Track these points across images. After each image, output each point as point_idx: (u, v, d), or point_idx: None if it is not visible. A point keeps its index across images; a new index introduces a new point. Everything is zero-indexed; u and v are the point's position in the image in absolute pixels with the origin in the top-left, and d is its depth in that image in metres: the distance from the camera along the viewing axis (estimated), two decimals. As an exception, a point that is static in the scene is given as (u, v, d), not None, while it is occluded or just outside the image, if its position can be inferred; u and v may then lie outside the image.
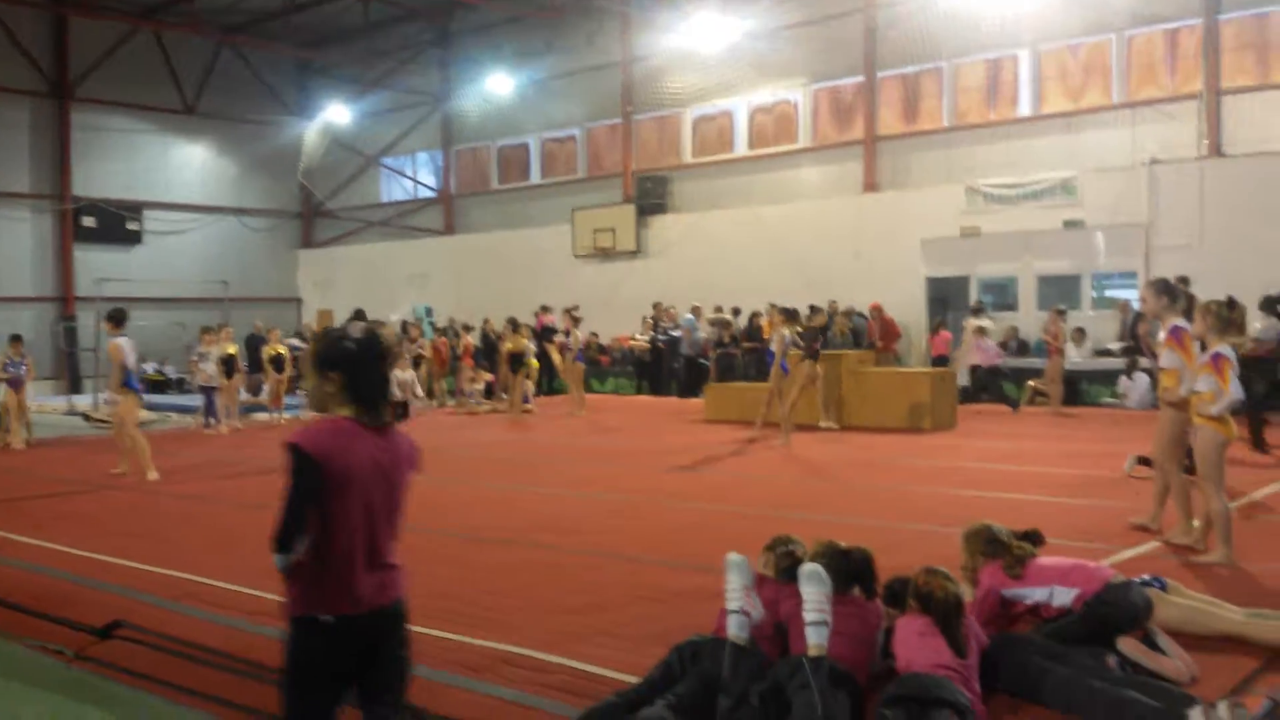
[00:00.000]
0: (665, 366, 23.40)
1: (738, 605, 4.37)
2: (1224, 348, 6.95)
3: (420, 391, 18.73)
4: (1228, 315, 7.10)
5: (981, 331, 18.54)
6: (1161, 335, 7.55)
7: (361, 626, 3.35)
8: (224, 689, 5.06)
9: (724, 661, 4.25)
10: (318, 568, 3.31)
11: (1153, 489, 7.89)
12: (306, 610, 3.32)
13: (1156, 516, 7.77)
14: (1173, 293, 7.55)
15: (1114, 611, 4.90)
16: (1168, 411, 7.49)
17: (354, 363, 3.40)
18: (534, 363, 21.10)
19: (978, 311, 19.73)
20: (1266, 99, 19.09)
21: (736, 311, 22.60)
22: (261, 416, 20.11)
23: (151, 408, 22.53)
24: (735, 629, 4.34)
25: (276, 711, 4.71)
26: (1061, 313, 17.87)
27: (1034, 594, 5.13)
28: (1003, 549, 5.23)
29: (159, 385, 27.62)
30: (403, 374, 14.61)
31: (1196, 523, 7.29)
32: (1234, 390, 6.88)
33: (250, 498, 10.65)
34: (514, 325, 19.82)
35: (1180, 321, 7.42)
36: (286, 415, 19.59)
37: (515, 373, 19.23)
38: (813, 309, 17.70)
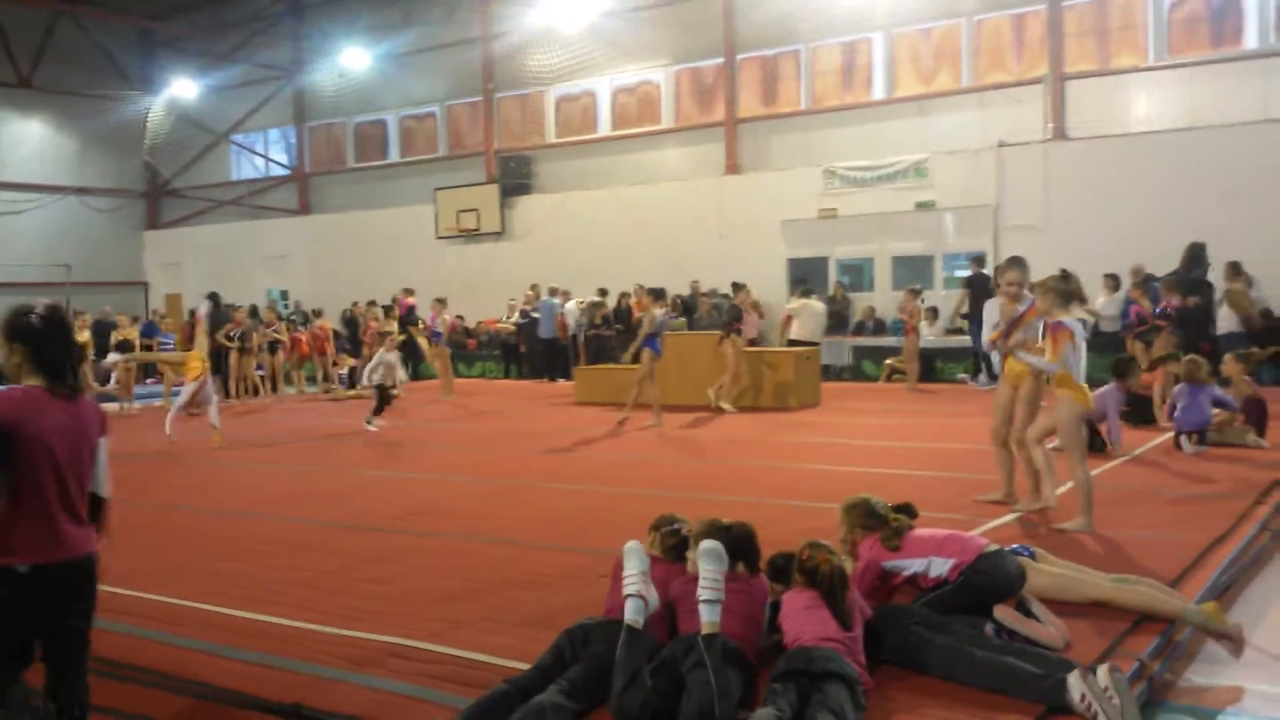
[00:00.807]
0: (530, 349, 23.28)
1: (636, 589, 4.38)
2: (1067, 319, 7.23)
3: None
4: (1065, 287, 7.34)
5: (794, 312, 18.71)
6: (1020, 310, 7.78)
7: (53, 576, 3.69)
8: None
9: (618, 645, 4.25)
10: (11, 523, 3.63)
11: (998, 463, 8.12)
12: (2, 561, 3.62)
13: (1010, 491, 8.03)
14: (1022, 267, 7.85)
15: (990, 580, 5.08)
16: (1064, 403, 7.66)
17: (38, 336, 3.75)
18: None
19: (806, 294, 20.28)
20: (1107, 83, 20.02)
21: (604, 292, 22.62)
22: (111, 407, 19.25)
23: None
24: (631, 613, 4.34)
25: (133, 709, 4.57)
26: (916, 292, 18.42)
27: (912, 565, 5.24)
28: (881, 521, 5.35)
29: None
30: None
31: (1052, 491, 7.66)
32: (1072, 360, 7.16)
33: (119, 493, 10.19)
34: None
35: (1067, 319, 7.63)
36: (138, 405, 18.81)
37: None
38: (735, 286, 18.01)
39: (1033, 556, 5.46)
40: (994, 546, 5.28)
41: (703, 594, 4.30)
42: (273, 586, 6.30)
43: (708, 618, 4.25)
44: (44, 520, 3.67)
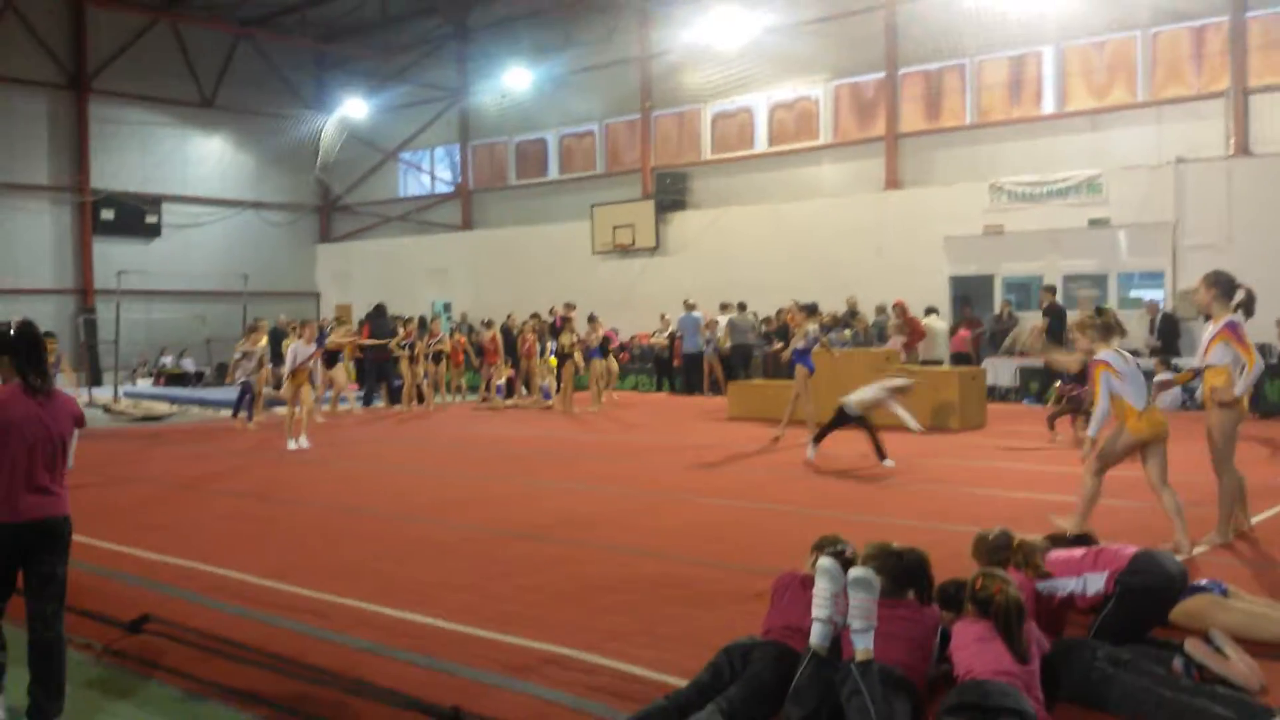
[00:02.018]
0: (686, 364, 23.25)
1: (826, 613, 4.23)
2: (1103, 354, 7.16)
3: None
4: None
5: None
6: (1211, 331, 7.35)
7: (21, 532, 4.53)
8: (251, 683, 4.96)
9: (801, 669, 4.11)
10: None
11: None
12: None
13: (1229, 525, 7.41)
14: (1226, 286, 7.34)
15: (1146, 579, 4.85)
16: (1216, 412, 7.31)
17: (14, 347, 4.62)
18: (553, 360, 21.02)
19: (929, 313, 19.81)
20: (1296, 97, 18.86)
21: (742, 306, 22.48)
22: (281, 410, 20.01)
23: (172, 400, 22.53)
24: (818, 638, 4.20)
25: (302, 707, 4.68)
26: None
27: (1067, 584, 5.06)
28: (1005, 551, 5.15)
29: (179, 378, 27.58)
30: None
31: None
32: (1121, 388, 7.05)
33: (274, 492, 10.57)
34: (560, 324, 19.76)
35: (1235, 317, 7.24)
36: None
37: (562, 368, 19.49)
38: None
39: (1224, 593, 5.10)
40: (1147, 549, 5.01)
41: (854, 624, 4.14)
42: (432, 589, 6.38)
43: (861, 646, 4.08)
44: (11, 489, 4.51)
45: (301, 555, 7.45)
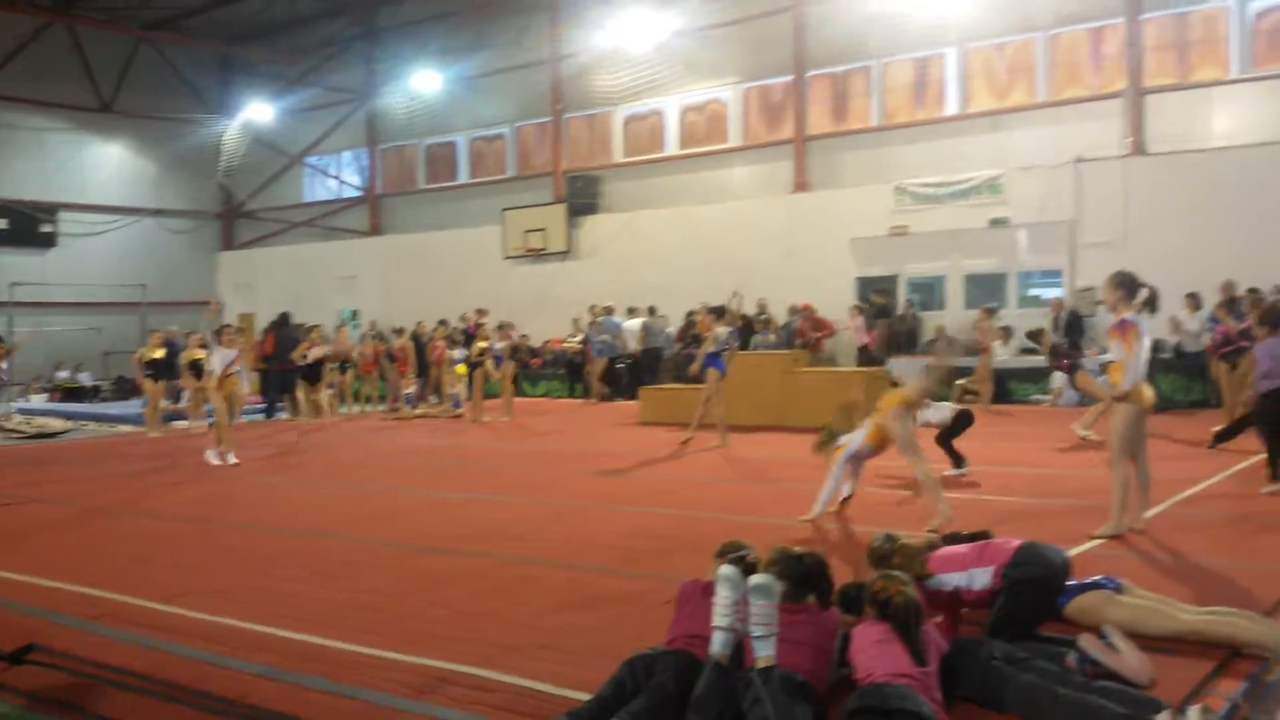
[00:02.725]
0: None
1: (727, 621, 4.21)
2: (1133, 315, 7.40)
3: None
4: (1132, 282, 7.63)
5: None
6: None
7: None
8: (142, 713, 4.78)
9: (702, 680, 4.08)
10: None
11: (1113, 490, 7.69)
12: None
13: (1137, 516, 7.68)
14: (1129, 285, 7.57)
15: (1030, 570, 4.99)
16: (1114, 406, 7.54)
17: None
18: (461, 368, 20.86)
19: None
20: (1187, 97, 19.49)
21: (652, 310, 22.55)
22: (180, 424, 19.53)
23: (68, 416, 21.84)
24: (719, 646, 4.18)
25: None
26: (991, 311, 18.03)
27: (952, 579, 5.15)
28: (889, 554, 5.25)
29: (74, 393, 26.72)
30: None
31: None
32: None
33: (175, 510, 10.28)
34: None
35: (1131, 315, 7.44)
36: (207, 423, 19.05)
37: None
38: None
39: (1118, 588, 5.20)
40: (1030, 541, 5.14)
41: (754, 630, 4.12)
42: (334, 608, 6.23)
43: (762, 653, 4.07)
44: None
45: (200, 577, 7.23)
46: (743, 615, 4.21)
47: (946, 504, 8.04)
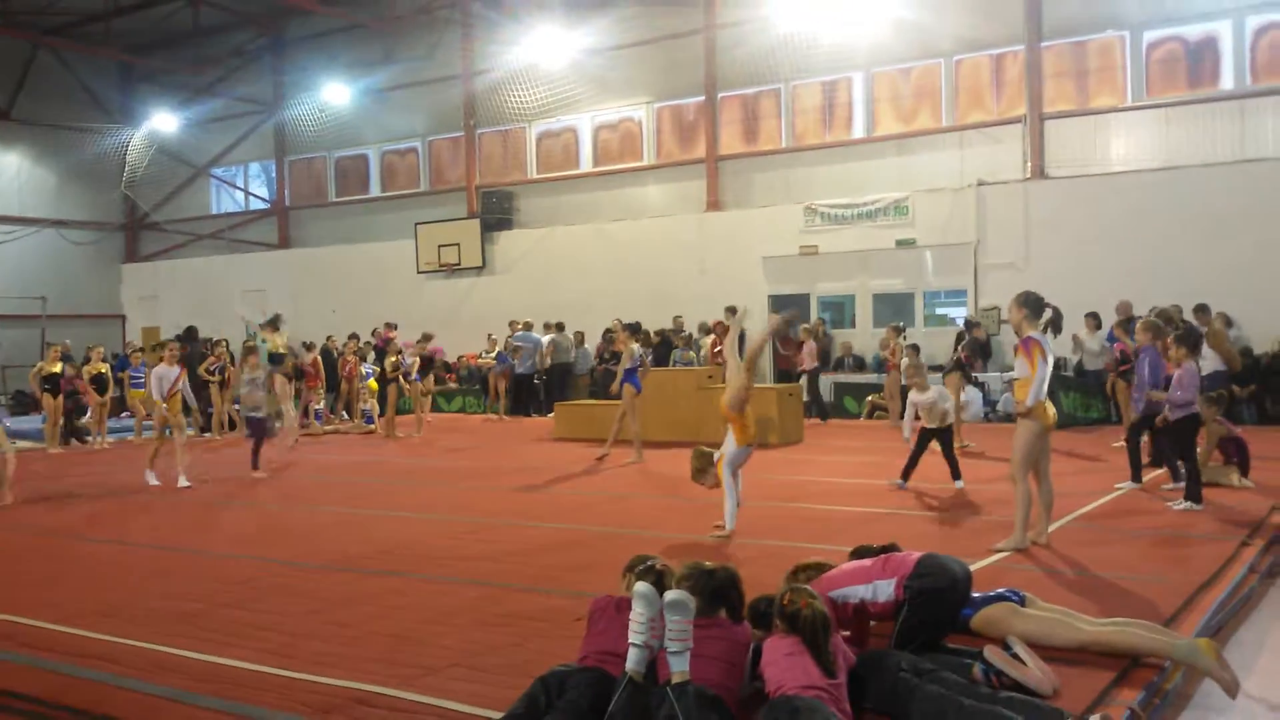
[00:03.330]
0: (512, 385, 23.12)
1: (642, 639, 4.21)
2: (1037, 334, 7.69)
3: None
4: (1036, 302, 7.92)
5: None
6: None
7: None
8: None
9: (616, 696, 4.08)
10: None
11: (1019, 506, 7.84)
12: None
13: (1041, 531, 7.88)
14: (1034, 305, 7.80)
15: (932, 580, 5.11)
16: (1018, 422, 7.75)
17: None
18: (373, 383, 20.62)
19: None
20: (1085, 123, 20.13)
21: (560, 327, 22.57)
22: (94, 440, 18.98)
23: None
24: (634, 663, 4.18)
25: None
26: (899, 329, 18.37)
27: (857, 591, 5.23)
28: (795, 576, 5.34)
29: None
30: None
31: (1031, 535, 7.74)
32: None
33: (74, 528, 9.97)
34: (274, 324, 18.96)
35: (1035, 334, 7.68)
36: (110, 440, 18.55)
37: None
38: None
39: (1021, 601, 5.34)
40: (931, 552, 5.27)
41: (670, 645, 4.15)
42: (240, 629, 6.11)
43: (677, 668, 4.10)
44: None
45: (99, 597, 7.03)
46: (658, 632, 4.23)
47: (736, 516, 8.46)
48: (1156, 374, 10.28)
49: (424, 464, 14.78)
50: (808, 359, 19.28)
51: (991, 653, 4.69)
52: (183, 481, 12.66)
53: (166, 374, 13.27)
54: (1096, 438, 15.07)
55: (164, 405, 13.11)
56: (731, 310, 14.91)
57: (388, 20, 26.74)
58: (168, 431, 13.32)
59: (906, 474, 10.90)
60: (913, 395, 11.04)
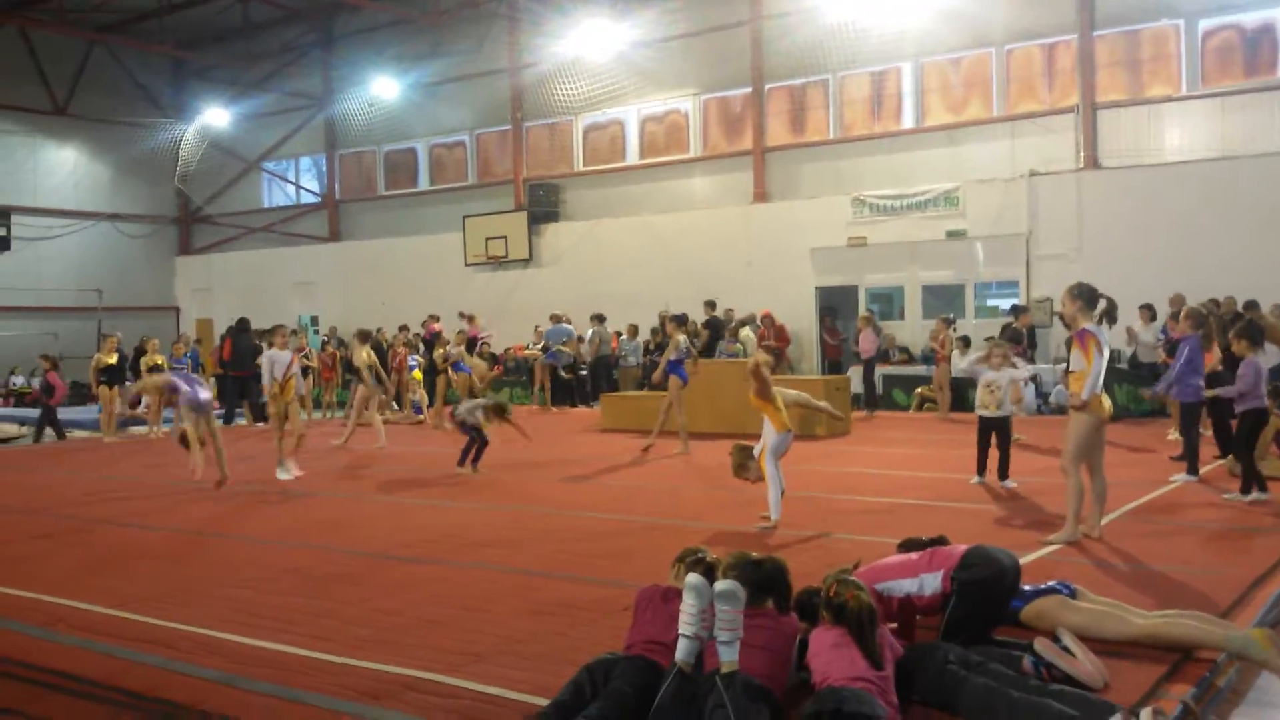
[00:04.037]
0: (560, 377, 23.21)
1: (693, 630, 4.22)
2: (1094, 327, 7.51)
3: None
4: (1091, 294, 7.77)
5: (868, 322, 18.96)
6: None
7: None
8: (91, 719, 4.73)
9: (665, 686, 4.09)
10: None
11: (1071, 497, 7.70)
12: None
13: (1094, 524, 7.76)
14: (1089, 297, 7.68)
15: (979, 572, 5.06)
16: (1072, 415, 7.65)
17: None
18: (417, 374, 20.75)
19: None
20: (1139, 113, 19.82)
21: (601, 319, 22.54)
22: (140, 430, 19.31)
23: (22, 422, 21.50)
24: (683, 654, 4.19)
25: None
26: (949, 321, 18.22)
27: (903, 585, 5.19)
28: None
29: (29, 398, 26.31)
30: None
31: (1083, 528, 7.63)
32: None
33: (128, 517, 10.15)
34: (364, 336, 19.07)
35: (1091, 325, 7.56)
36: (165, 429, 18.83)
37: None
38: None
39: (1072, 594, 5.28)
40: (979, 544, 5.23)
41: (720, 635, 4.14)
42: (290, 615, 6.19)
43: (726, 658, 4.09)
44: None
45: (153, 584, 7.16)
46: (708, 623, 4.23)
47: (780, 506, 8.46)
48: (1196, 363, 10.17)
49: (491, 455, 14.83)
50: (866, 348, 19.03)
51: (1041, 645, 4.64)
52: (288, 473, 12.13)
53: (279, 359, 12.46)
54: (1150, 430, 14.85)
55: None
56: (679, 319, 14.79)
57: (435, 14, 26.89)
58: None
59: (981, 468, 10.58)
60: (987, 374, 10.57)
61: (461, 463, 12.54)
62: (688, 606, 4.24)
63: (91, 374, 18.92)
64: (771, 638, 4.49)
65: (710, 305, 21.52)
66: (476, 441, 12.54)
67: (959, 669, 4.41)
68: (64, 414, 21.31)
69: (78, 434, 19.63)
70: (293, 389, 12.50)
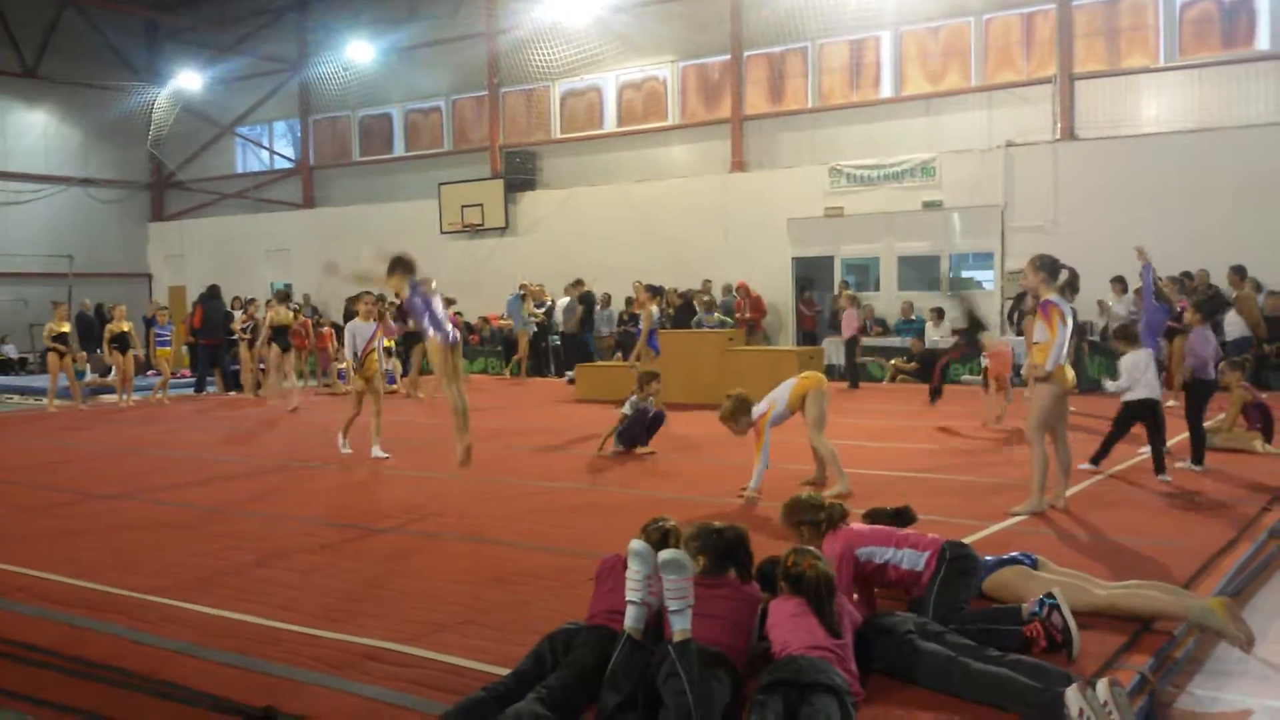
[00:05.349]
0: (536, 346, 23.14)
1: (639, 596, 4.21)
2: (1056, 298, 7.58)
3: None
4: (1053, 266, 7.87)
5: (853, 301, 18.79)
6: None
7: None
8: (53, 690, 4.69)
9: (615, 654, 4.08)
10: None
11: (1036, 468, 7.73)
12: None
13: (1058, 494, 7.84)
14: (1050, 268, 7.70)
15: (968, 554, 5.13)
16: (1034, 386, 7.68)
17: None
18: (389, 342, 20.60)
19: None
20: (1116, 84, 19.81)
21: (580, 284, 22.43)
22: (109, 398, 19.15)
23: (3, 390, 21.34)
24: (631, 621, 4.18)
25: (101, 710, 4.45)
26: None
27: (884, 553, 5.19)
28: (817, 510, 5.32)
29: (0, 366, 26.07)
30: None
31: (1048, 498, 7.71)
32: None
33: (96, 486, 10.07)
34: (281, 298, 18.88)
35: (1054, 297, 7.58)
36: (135, 397, 18.69)
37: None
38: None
39: (1034, 564, 5.30)
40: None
41: (669, 604, 4.13)
42: (254, 584, 6.16)
43: (678, 626, 4.08)
44: None
45: (115, 553, 7.11)
46: (655, 590, 4.22)
47: (846, 477, 8.47)
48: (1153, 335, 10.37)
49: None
50: (848, 326, 18.85)
51: (1060, 591, 4.70)
52: (377, 452, 11.33)
53: (361, 329, 11.74)
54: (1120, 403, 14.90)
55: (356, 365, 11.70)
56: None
57: (411, -22, 26.59)
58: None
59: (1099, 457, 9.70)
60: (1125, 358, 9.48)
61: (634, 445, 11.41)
62: (631, 572, 4.24)
63: (45, 342, 18.55)
64: (732, 606, 4.49)
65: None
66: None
67: (918, 639, 4.42)
68: (34, 382, 21.16)
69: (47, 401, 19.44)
70: (375, 363, 11.67)
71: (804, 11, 22.32)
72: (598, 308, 22.71)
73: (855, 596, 5.13)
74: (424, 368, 19.38)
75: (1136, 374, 9.20)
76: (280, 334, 17.95)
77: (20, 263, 28.94)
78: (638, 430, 11.40)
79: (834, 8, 21.97)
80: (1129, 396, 9.28)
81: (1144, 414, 9.20)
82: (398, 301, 12.77)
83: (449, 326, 9.15)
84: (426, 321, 8.95)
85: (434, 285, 9.10)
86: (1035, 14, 20.62)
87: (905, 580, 5.16)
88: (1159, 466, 8.88)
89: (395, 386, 20.09)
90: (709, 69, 24.29)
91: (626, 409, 11.46)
